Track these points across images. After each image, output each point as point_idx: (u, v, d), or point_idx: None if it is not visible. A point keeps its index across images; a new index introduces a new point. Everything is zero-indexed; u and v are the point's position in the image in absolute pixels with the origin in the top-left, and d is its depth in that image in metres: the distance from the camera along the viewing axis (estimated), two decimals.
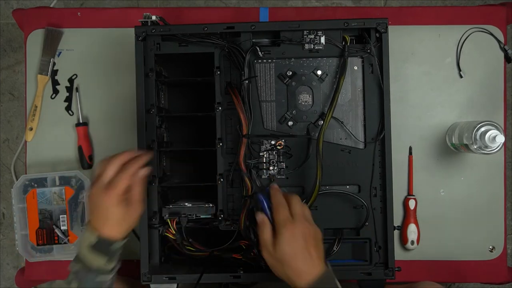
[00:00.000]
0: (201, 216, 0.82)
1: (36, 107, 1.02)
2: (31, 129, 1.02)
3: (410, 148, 0.99)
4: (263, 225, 0.70)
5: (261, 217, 0.71)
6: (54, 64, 1.02)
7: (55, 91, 1.03)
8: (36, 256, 0.99)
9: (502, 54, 0.99)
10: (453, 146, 0.96)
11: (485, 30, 0.99)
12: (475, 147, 0.88)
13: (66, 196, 0.98)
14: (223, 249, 0.83)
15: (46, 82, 1.02)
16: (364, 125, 0.82)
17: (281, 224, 0.68)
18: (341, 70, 0.80)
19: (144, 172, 0.73)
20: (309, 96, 0.82)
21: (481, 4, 1.57)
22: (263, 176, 0.82)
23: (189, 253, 0.84)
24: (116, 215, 0.70)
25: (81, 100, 1.02)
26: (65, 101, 1.03)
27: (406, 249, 0.98)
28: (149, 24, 0.81)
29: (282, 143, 0.81)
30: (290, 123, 0.82)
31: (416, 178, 0.98)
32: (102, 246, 0.71)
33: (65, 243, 0.98)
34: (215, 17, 1.03)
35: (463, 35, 0.99)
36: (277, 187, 0.74)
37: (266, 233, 0.69)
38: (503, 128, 0.93)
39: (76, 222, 0.98)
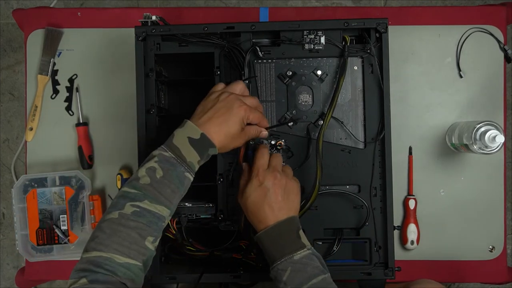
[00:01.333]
0: (201, 216, 0.82)
1: (36, 107, 1.02)
2: (31, 129, 1.02)
3: (410, 148, 0.99)
4: (242, 173, 0.77)
5: (243, 166, 0.78)
6: (54, 64, 1.03)
7: (55, 91, 1.03)
8: (36, 256, 0.99)
9: (502, 54, 0.99)
10: (453, 146, 0.96)
11: (485, 30, 0.99)
12: (475, 147, 0.88)
13: (66, 196, 0.98)
14: (223, 249, 0.83)
15: (46, 82, 1.02)
16: (364, 125, 0.82)
17: (253, 172, 0.74)
18: (341, 70, 0.80)
19: (265, 134, 0.78)
20: (309, 96, 0.82)
21: (481, 4, 1.57)
22: None
23: (189, 253, 0.84)
24: (232, 127, 0.71)
25: (81, 100, 1.02)
26: (65, 101, 1.03)
27: (406, 249, 0.98)
28: (149, 24, 0.81)
29: (282, 143, 0.81)
30: (290, 123, 0.82)
31: (416, 178, 0.98)
32: (202, 144, 0.69)
33: (65, 243, 0.98)
34: (215, 17, 1.03)
35: (463, 35, 0.99)
36: (266, 146, 0.79)
37: (242, 180, 0.76)
38: (503, 128, 0.93)
39: (76, 222, 0.98)
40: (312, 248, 0.71)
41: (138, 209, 0.65)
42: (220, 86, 0.76)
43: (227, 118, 0.70)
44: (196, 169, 0.70)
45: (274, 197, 0.71)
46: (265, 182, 0.72)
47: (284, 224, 0.71)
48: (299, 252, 0.69)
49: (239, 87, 0.75)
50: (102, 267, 0.62)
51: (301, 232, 0.72)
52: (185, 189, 0.70)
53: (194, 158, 0.69)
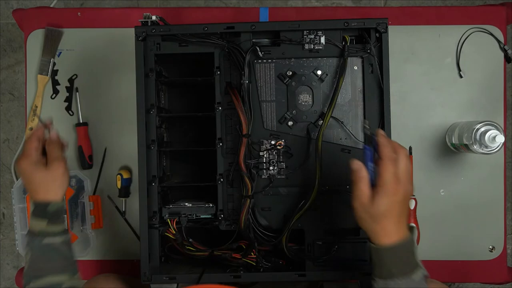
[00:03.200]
0: (201, 216, 0.82)
1: (36, 107, 1.02)
2: (31, 129, 1.02)
3: (410, 148, 0.99)
4: (360, 177, 0.67)
5: (358, 165, 0.68)
6: (54, 64, 1.02)
7: (55, 91, 1.03)
8: None
9: (502, 54, 0.99)
10: (453, 146, 0.96)
11: (485, 30, 0.99)
12: (475, 147, 0.88)
13: (66, 196, 0.98)
14: (223, 249, 0.83)
15: (46, 82, 1.02)
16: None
17: (386, 181, 0.65)
18: (340, 70, 0.80)
19: (54, 133, 0.80)
20: (309, 96, 0.82)
21: (481, 4, 1.57)
22: (263, 176, 0.82)
23: (189, 253, 0.84)
24: (38, 178, 0.76)
25: (81, 100, 1.02)
26: (65, 101, 1.03)
27: None
28: (149, 24, 0.81)
29: (282, 143, 0.81)
30: (290, 123, 0.82)
31: (416, 178, 0.98)
32: (39, 210, 0.75)
33: None
34: (215, 17, 1.03)
35: (463, 35, 0.99)
36: (384, 135, 0.69)
37: (364, 185, 0.67)
38: (503, 128, 0.93)
39: (76, 222, 0.98)
40: (423, 267, 0.69)
41: None
42: None
43: (28, 180, 0.76)
44: (56, 225, 0.76)
45: (403, 210, 0.68)
46: (399, 193, 0.66)
47: (408, 244, 0.68)
48: (415, 271, 0.67)
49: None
50: None
51: (415, 249, 0.69)
52: (62, 246, 0.76)
53: (41, 225, 0.75)
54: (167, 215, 0.82)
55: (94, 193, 1.01)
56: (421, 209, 0.98)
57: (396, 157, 0.67)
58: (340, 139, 0.82)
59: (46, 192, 0.76)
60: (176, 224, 0.82)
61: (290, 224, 0.79)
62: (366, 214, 0.67)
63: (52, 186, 0.76)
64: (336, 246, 0.81)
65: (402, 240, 0.67)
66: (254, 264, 0.82)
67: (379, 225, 0.67)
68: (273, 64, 0.82)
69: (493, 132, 0.86)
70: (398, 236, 0.67)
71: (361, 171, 0.67)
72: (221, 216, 0.81)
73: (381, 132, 0.69)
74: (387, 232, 0.67)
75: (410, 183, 0.68)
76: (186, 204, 0.82)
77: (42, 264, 0.74)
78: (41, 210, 0.75)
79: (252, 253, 0.82)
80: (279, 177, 0.82)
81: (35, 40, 1.03)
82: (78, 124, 1.01)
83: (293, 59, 0.82)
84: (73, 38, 1.03)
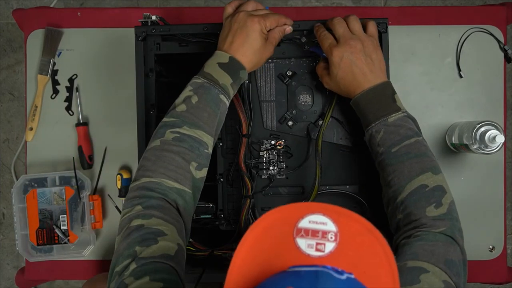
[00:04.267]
0: (201, 216, 0.82)
1: (36, 107, 1.02)
2: (31, 129, 1.02)
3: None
4: (318, 63, 0.79)
5: (317, 26, 0.79)
6: (54, 64, 1.02)
7: (55, 91, 1.03)
8: (36, 256, 0.99)
9: (502, 54, 0.99)
10: (453, 146, 0.96)
11: (485, 30, 0.99)
12: (475, 147, 0.88)
13: (66, 196, 0.98)
14: (223, 249, 0.83)
15: (46, 82, 1.02)
16: None
17: (327, 53, 0.74)
18: None
19: (289, 29, 0.77)
20: (309, 96, 0.82)
21: (481, 4, 1.57)
22: (263, 176, 0.82)
23: (189, 253, 0.84)
24: (254, 43, 0.72)
25: (81, 100, 1.02)
26: (65, 101, 1.03)
27: None
28: (149, 24, 0.82)
29: (282, 143, 0.81)
30: (290, 123, 0.82)
31: None
32: (232, 66, 0.71)
33: (65, 243, 0.98)
34: (215, 17, 1.03)
35: (463, 35, 0.99)
36: (319, 24, 0.79)
37: (318, 68, 0.78)
38: (503, 128, 0.93)
39: (76, 222, 0.98)
40: (407, 111, 0.72)
41: (178, 135, 0.67)
42: (229, 9, 0.76)
43: (246, 36, 0.72)
44: (231, 93, 0.71)
45: (359, 64, 0.72)
46: (342, 55, 0.72)
47: (379, 88, 0.72)
48: (393, 114, 0.71)
49: (250, 5, 0.76)
50: (153, 190, 0.63)
51: (396, 96, 0.73)
52: (222, 115, 0.71)
53: (226, 81, 0.70)
54: None
55: (94, 193, 1.01)
56: None
57: (326, 33, 0.75)
58: (340, 139, 0.82)
59: (247, 58, 0.72)
60: None
61: None
62: (333, 84, 0.75)
63: (255, 58, 0.73)
64: None
65: (371, 86, 0.71)
66: None
67: (347, 87, 0.73)
68: (273, 64, 0.82)
69: (493, 132, 0.86)
70: (366, 87, 0.72)
71: (319, 63, 0.78)
72: (221, 216, 0.81)
73: (315, 24, 0.78)
74: (355, 88, 0.73)
75: (354, 38, 0.73)
76: None
77: (205, 115, 0.68)
78: (234, 68, 0.71)
79: None
80: (279, 177, 0.82)
81: (35, 40, 1.03)
82: (78, 124, 1.01)
83: (293, 59, 0.82)
84: (73, 38, 1.03)
